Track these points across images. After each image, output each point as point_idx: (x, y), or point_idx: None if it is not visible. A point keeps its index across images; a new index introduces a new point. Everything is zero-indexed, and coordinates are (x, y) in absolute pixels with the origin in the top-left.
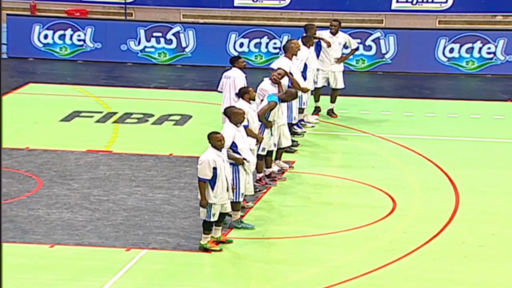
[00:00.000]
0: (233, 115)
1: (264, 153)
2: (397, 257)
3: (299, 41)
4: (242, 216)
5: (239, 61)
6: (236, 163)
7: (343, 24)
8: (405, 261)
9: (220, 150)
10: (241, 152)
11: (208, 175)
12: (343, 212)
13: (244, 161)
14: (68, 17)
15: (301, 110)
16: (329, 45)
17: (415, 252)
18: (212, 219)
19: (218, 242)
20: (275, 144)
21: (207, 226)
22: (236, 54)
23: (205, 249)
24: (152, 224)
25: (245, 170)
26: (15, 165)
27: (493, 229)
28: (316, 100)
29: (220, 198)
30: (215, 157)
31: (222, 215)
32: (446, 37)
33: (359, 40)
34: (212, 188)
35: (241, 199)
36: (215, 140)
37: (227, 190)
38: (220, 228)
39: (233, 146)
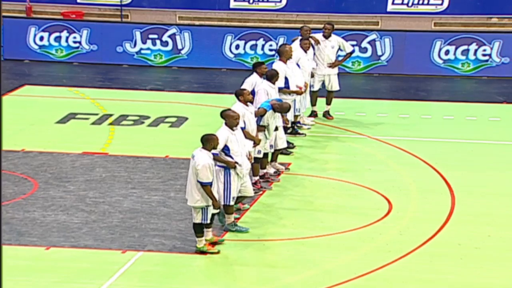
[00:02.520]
0: (228, 118)
1: (261, 155)
2: (393, 259)
3: (295, 44)
4: (237, 219)
5: (262, 67)
6: (228, 166)
7: (338, 26)
8: (401, 263)
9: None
10: (234, 156)
11: (210, 178)
12: (339, 214)
13: (236, 164)
14: (64, 19)
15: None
16: (317, 42)
17: (411, 254)
18: (207, 222)
19: (210, 243)
20: (271, 146)
21: (199, 229)
22: (229, 53)
23: (202, 252)
24: (148, 226)
25: (237, 174)
26: (10, 167)
27: (489, 231)
28: (313, 104)
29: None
30: (211, 160)
31: (212, 216)
32: (441, 39)
33: (354, 43)
34: None
35: (232, 203)
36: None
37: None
38: (211, 229)
39: (225, 149)
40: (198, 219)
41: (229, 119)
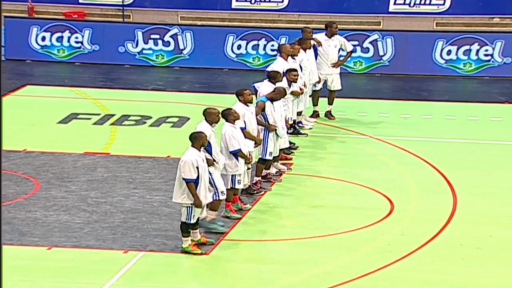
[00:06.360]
0: (208, 115)
1: (271, 157)
2: (394, 259)
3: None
4: (239, 219)
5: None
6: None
7: (340, 26)
8: (402, 263)
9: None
10: (216, 154)
11: (194, 175)
12: (341, 214)
13: (214, 162)
14: (66, 19)
15: (298, 112)
16: (319, 44)
17: (413, 254)
18: (192, 221)
19: (199, 244)
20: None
21: (185, 229)
22: (231, 53)
23: (186, 252)
24: (149, 226)
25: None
26: (12, 167)
27: (490, 231)
28: (315, 104)
29: (204, 198)
30: (196, 157)
31: (197, 217)
32: (443, 39)
33: (356, 43)
34: (196, 189)
35: (222, 197)
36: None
37: (208, 190)
38: (198, 230)
39: (208, 147)
40: (183, 217)
41: (210, 116)
